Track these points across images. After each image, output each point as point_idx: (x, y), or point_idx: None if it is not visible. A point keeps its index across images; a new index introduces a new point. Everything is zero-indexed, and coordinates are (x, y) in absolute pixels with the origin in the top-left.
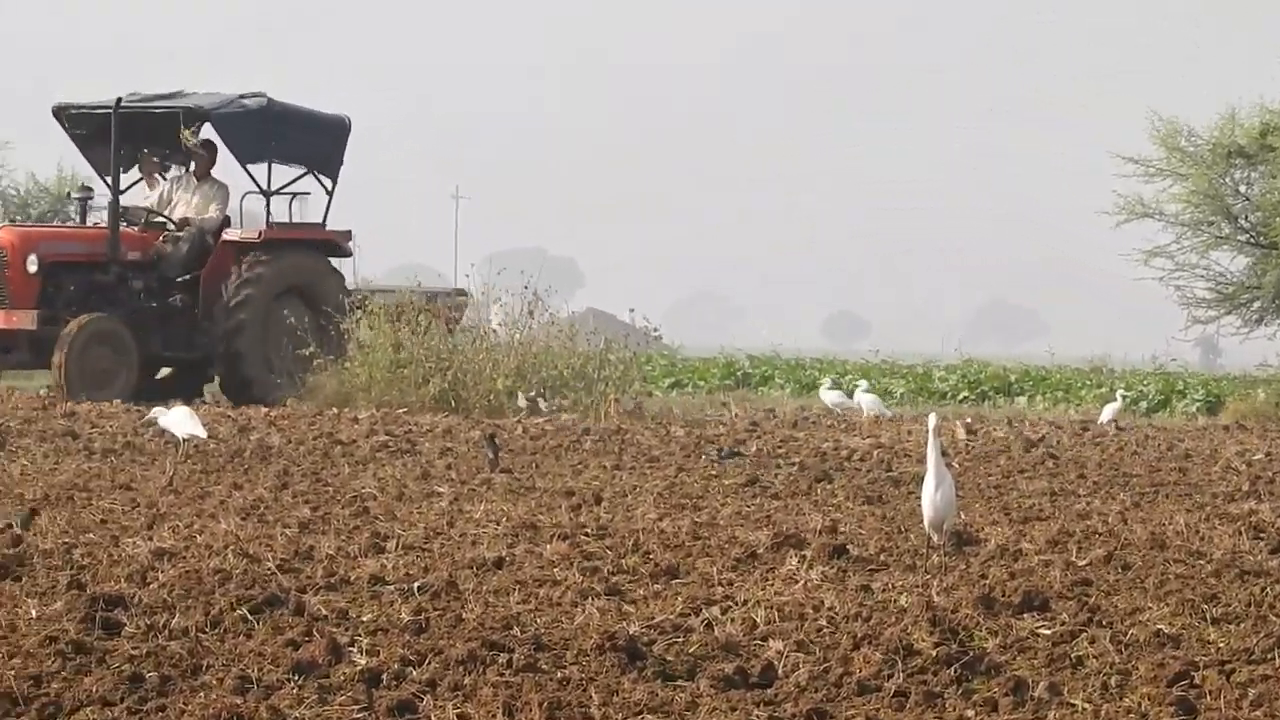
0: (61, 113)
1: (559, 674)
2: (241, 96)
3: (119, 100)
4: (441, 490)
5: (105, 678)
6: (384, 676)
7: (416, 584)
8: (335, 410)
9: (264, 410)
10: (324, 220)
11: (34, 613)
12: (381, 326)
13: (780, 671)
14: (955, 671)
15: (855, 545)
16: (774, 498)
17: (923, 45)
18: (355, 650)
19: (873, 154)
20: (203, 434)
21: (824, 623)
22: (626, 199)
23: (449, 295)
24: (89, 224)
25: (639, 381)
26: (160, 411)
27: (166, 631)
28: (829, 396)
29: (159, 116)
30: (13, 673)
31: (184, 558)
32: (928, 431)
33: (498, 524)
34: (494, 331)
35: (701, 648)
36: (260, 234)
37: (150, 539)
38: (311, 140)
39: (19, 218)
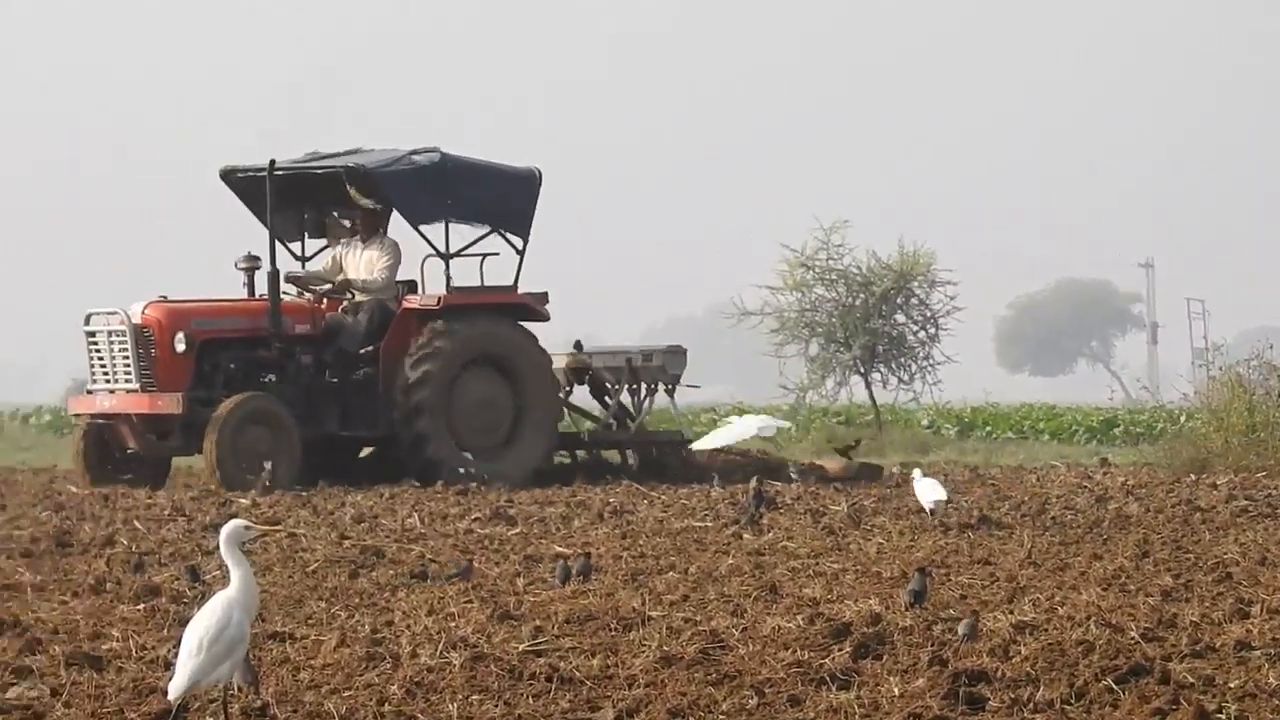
0: (228, 177)
1: None
2: (412, 152)
3: (272, 163)
4: None
5: None
6: None
7: None
8: (1192, 476)
9: (1119, 479)
10: (515, 282)
11: (896, 690)
12: (1235, 390)
13: None
14: None
15: None
16: None
17: None
18: (1224, 716)
19: None
20: (942, 496)
21: None
22: None
23: (671, 353)
24: (256, 295)
25: None
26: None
27: (1030, 705)
28: None
29: (321, 178)
30: None
31: (1046, 630)
32: None
33: None
34: None
35: None
36: (440, 300)
37: (1011, 612)
38: (495, 196)
39: (860, 295)
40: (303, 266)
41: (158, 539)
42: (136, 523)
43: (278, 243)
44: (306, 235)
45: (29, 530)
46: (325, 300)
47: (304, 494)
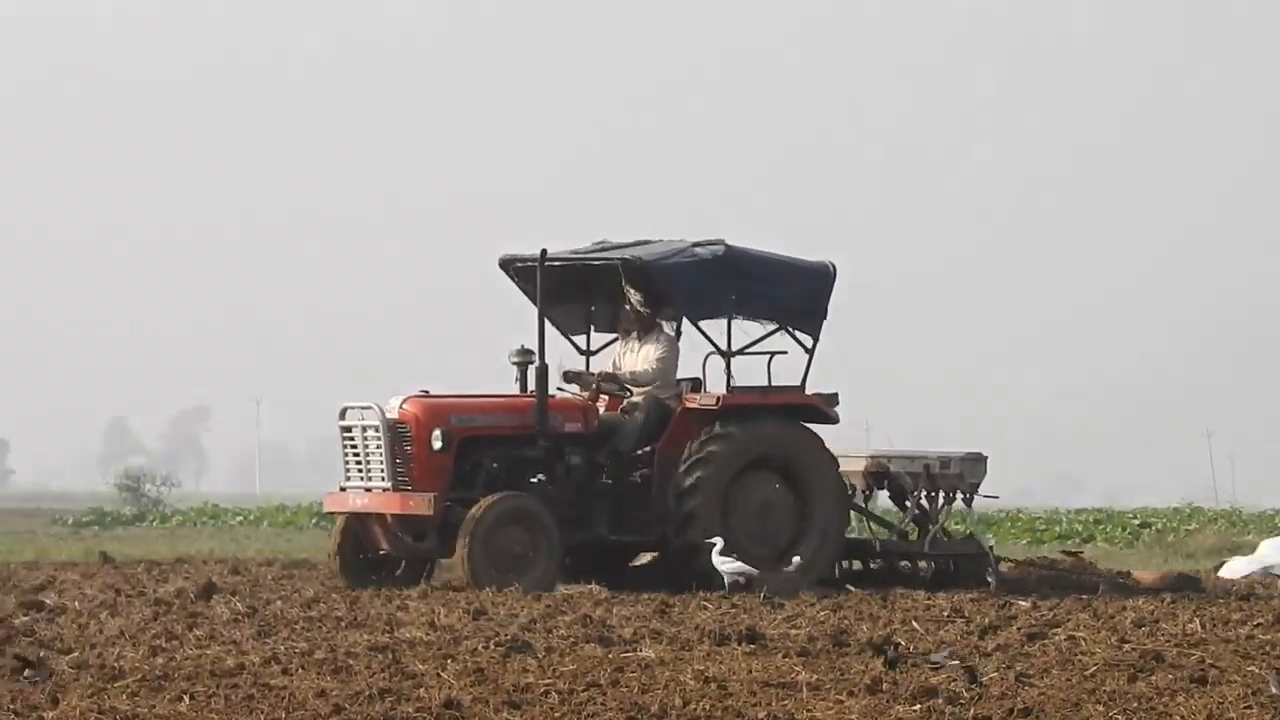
0: (508, 266)
1: None
2: (695, 244)
3: (543, 252)
4: None
5: None
6: None
7: None
8: None
9: None
10: (803, 382)
11: None
12: None
13: None
14: None
15: None
16: None
17: None
18: None
19: None
20: None
21: None
22: None
23: (970, 460)
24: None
25: None
26: None
27: None
28: None
29: (599, 269)
30: None
31: None
32: None
33: None
34: None
35: None
36: (719, 400)
37: None
38: (782, 292)
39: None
40: (587, 363)
41: (935, 639)
42: (915, 623)
43: (563, 337)
44: (593, 329)
45: (806, 630)
46: (604, 399)
47: (1083, 598)
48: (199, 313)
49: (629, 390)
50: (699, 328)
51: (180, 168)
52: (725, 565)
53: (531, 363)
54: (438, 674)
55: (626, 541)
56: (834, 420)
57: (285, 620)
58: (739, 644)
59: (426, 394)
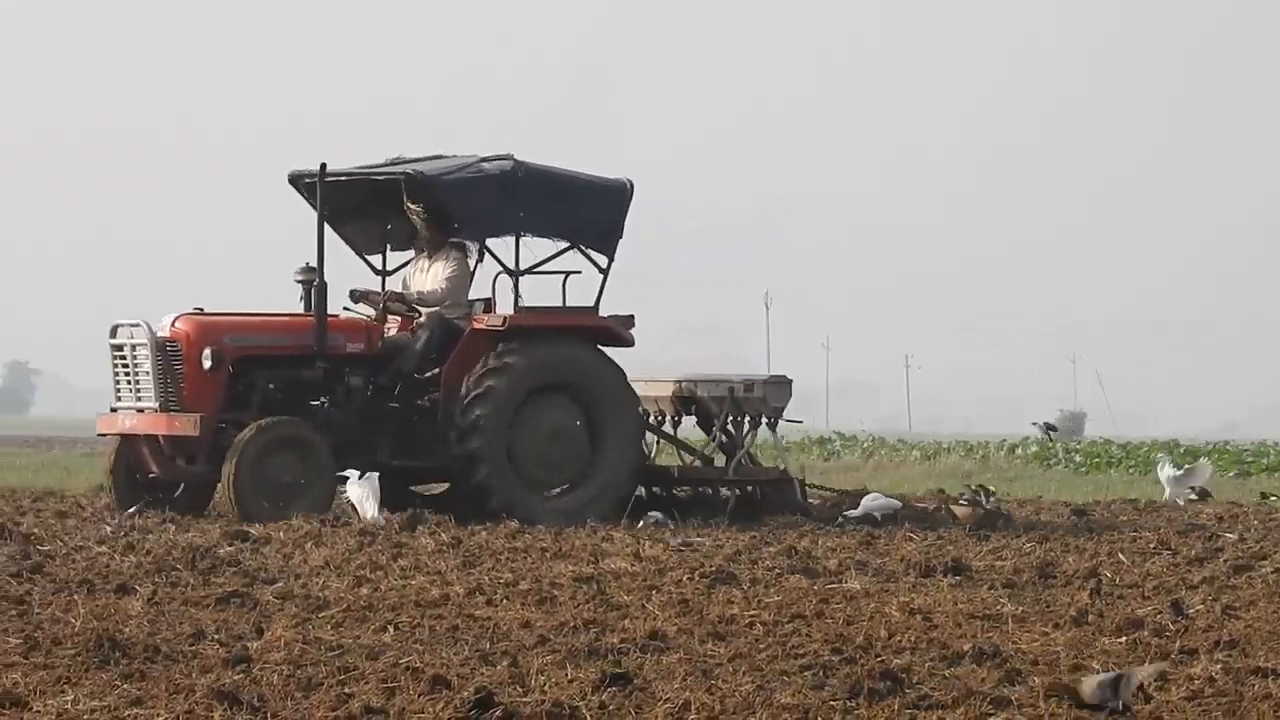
0: (297, 182)
1: None
2: (482, 160)
3: (323, 166)
4: None
5: None
6: None
7: None
8: None
9: None
10: (596, 303)
11: None
12: None
13: None
14: None
15: None
16: None
17: None
18: None
19: None
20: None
21: None
22: None
23: (774, 383)
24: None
25: None
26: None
27: None
28: None
29: (384, 185)
30: None
31: None
32: None
33: None
34: None
35: None
36: (505, 320)
37: None
38: (575, 210)
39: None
40: (383, 283)
41: (1141, 572)
42: (1121, 555)
43: (358, 256)
44: (389, 248)
45: (1011, 561)
46: (397, 321)
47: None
48: None
49: (417, 311)
50: (485, 246)
51: None
52: (873, 501)
53: (315, 281)
54: (642, 605)
55: (411, 468)
56: (628, 343)
57: (490, 551)
58: (944, 576)
59: (200, 311)
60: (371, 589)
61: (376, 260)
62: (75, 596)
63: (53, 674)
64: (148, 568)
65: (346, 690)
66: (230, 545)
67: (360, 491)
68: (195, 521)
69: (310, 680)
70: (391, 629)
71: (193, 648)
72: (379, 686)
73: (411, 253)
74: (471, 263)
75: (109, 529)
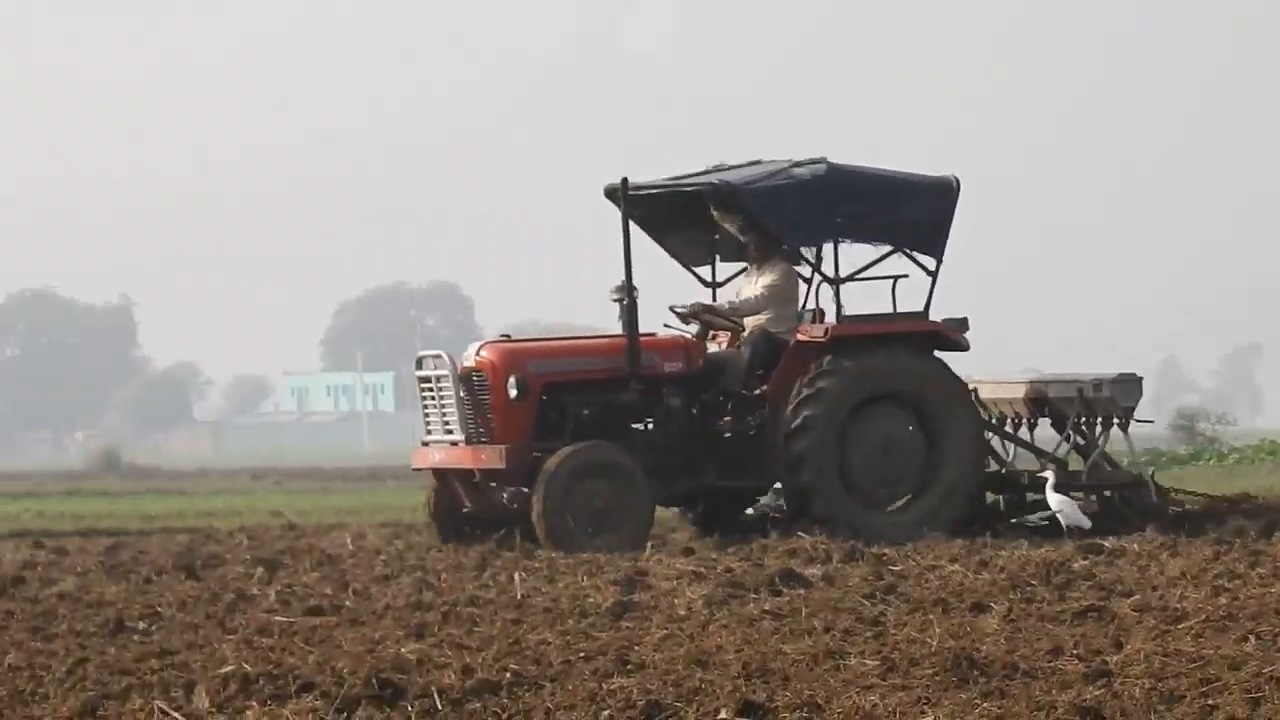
0: (614, 194)
1: None
2: (794, 164)
3: (624, 180)
4: None
5: None
6: None
7: None
8: None
9: None
10: (926, 307)
11: None
12: None
13: None
14: None
15: None
16: None
17: None
18: None
19: None
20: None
21: None
22: None
23: (1123, 382)
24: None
25: None
26: None
27: None
28: None
29: (693, 195)
30: None
31: None
32: None
33: None
34: None
35: None
36: (827, 331)
37: None
38: (897, 212)
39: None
40: (713, 295)
41: None
42: None
43: (686, 270)
44: (718, 259)
45: None
46: (724, 337)
47: None
48: None
49: (740, 324)
50: (801, 254)
51: None
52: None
53: (636, 297)
54: None
55: (739, 488)
56: (964, 347)
57: None
58: None
59: (507, 339)
60: (1230, 598)
61: (705, 272)
62: (930, 616)
63: (911, 694)
64: (1002, 584)
65: (1210, 702)
66: (1085, 559)
67: (1059, 502)
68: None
69: (1172, 693)
70: (1253, 638)
71: (1051, 664)
72: (1242, 697)
73: (743, 265)
74: (806, 272)
75: None
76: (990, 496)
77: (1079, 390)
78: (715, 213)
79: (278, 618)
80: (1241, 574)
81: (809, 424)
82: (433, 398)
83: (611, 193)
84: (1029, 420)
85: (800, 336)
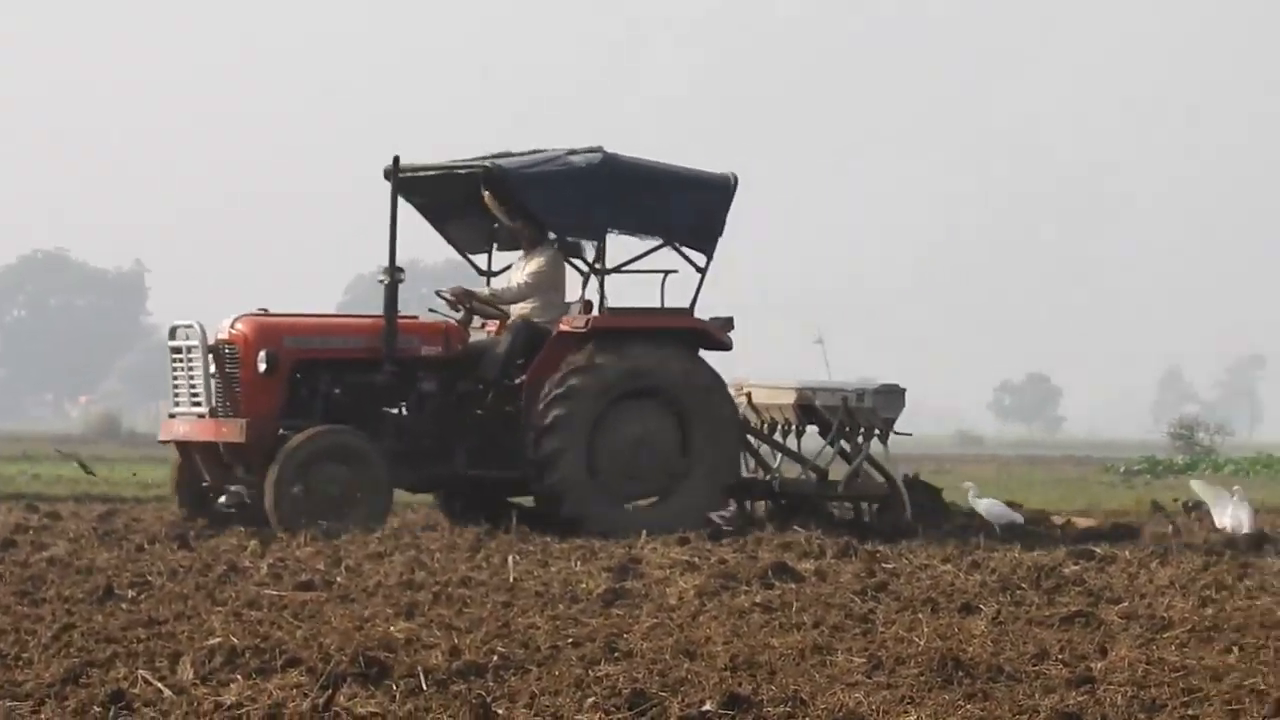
0: (391, 177)
1: None
2: (570, 152)
3: (395, 160)
4: None
5: None
6: None
7: None
8: None
9: None
10: (692, 304)
11: None
12: None
13: None
14: None
15: None
16: None
17: None
18: None
19: None
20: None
21: None
22: None
23: (885, 393)
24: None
25: None
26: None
27: None
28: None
29: (465, 179)
30: None
31: None
32: None
33: None
34: None
35: None
36: (588, 323)
37: None
38: (669, 206)
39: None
40: (487, 282)
41: None
42: None
43: (461, 255)
44: (496, 246)
45: None
46: (486, 323)
47: None
48: None
49: (505, 312)
50: (567, 243)
51: None
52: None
53: (401, 281)
54: None
55: (488, 478)
56: (727, 346)
57: None
58: None
59: (265, 312)
60: (1216, 609)
61: (481, 260)
62: (919, 615)
63: (895, 693)
64: (992, 586)
65: (1190, 712)
66: (1076, 564)
67: (986, 505)
68: (1037, 542)
69: (1154, 701)
70: (1236, 650)
71: (1036, 668)
72: (1223, 709)
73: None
74: (578, 262)
75: None
76: (753, 504)
77: (843, 399)
78: (487, 197)
79: (268, 591)
80: (1229, 585)
81: (558, 424)
82: (182, 368)
83: (389, 174)
84: (797, 427)
85: (563, 327)
